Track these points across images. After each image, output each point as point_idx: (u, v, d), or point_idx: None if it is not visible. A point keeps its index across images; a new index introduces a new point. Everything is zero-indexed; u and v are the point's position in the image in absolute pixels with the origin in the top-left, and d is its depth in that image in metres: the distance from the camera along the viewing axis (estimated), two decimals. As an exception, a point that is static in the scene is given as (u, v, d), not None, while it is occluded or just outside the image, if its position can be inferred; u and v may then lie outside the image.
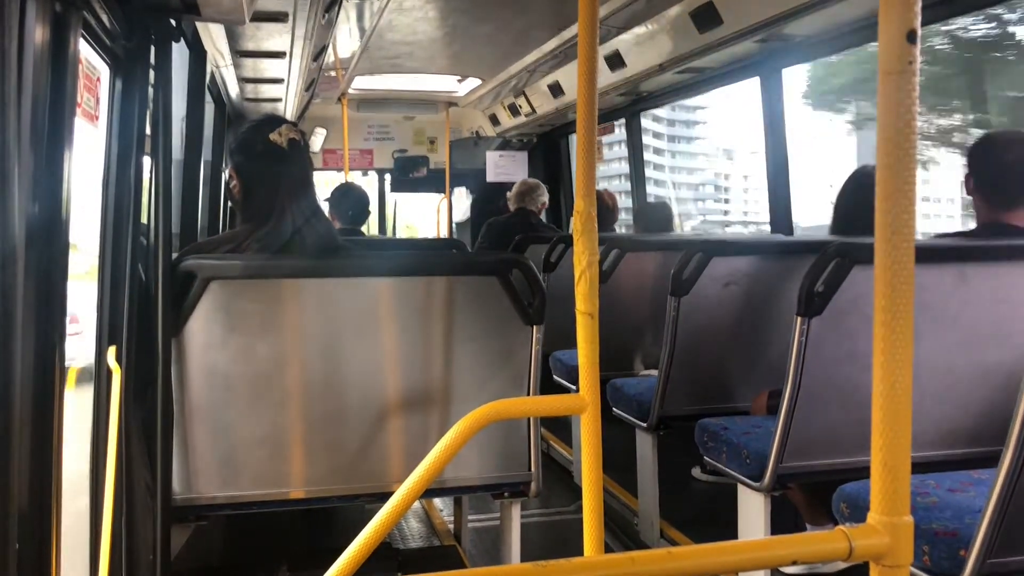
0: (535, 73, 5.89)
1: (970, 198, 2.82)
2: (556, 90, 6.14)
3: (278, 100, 5.14)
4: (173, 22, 2.21)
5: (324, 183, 8.75)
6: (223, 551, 3.30)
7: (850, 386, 2.54)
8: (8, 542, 1.30)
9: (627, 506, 3.87)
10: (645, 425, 3.46)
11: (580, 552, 1.46)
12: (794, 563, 0.93)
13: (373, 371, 2.47)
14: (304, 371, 2.41)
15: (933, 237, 2.94)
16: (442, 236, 8.06)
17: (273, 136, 2.51)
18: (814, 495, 2.95)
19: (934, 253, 2.55)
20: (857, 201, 3.23)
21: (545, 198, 6.23)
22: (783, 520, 2.92)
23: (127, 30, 1.99)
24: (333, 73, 5.69)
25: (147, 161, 2.21)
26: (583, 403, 1.39)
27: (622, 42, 4.66)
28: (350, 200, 5.14)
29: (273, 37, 3.53)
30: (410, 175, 8.05)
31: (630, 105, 6.08)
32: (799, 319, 2.49)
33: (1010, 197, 2.69)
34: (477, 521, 3.78)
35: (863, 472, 1.69)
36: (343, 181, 6.70)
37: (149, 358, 2.17)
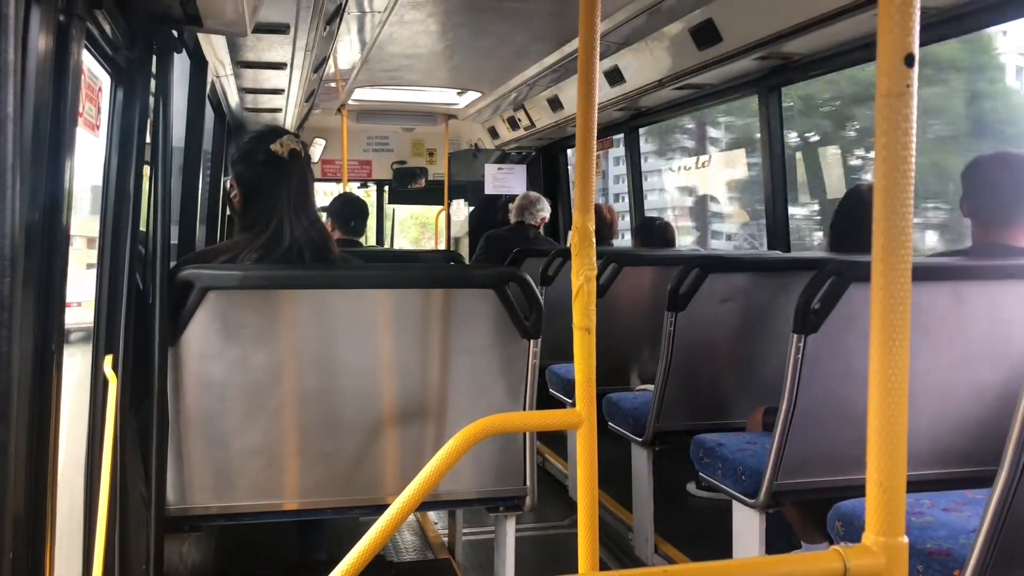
0: (535, 87, 5.92)
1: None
2: (555, 104, 6.16)
3: (278, 110, 5.15)
4: (175, 33, 2.22)
5: (323, 193, 8.77)
6: (217, 562, 3.29)
7: (846, 404, 2.54)
8: (2, 550, 1.30)
9: (622, 521, 3.86)
10: (641, 440, 3.45)
11: (574, 567, 1.46)
12: None
13: (370, 383, 2.47)
14: (300, 382, 2.41)
15: (927, 256, 2.95)
16: (440, 248, 8.07)
17: (274, 146, 2.52)
18: (809, 512, 2.95)
19: (930, 272, 2.56)
20: (853, 219, 3.25)
21: (546, 213, 6.22)
22: (777, 536, 2.92)
23: (129, 40, 2.00)
24: (333, 84, 5.70)
25: (147, 170, 2.21)
26: (579, 418, 1.39)
27: (622, 58, 4.68)
28: (350, 210, 5.15)
29: (274, 48, 3.55)
30: (408, 186, 8.06)
31: (629, 120, 6.10)
32: (795, 336, 2.50)
33: (1002, 217, 2.72)
34: (471, 534, 3.77)
35: (858, 490, 1.69)
36: (341, 191, 6.72)
37: (146, 367, 2.17)
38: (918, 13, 0.90)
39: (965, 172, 2.81)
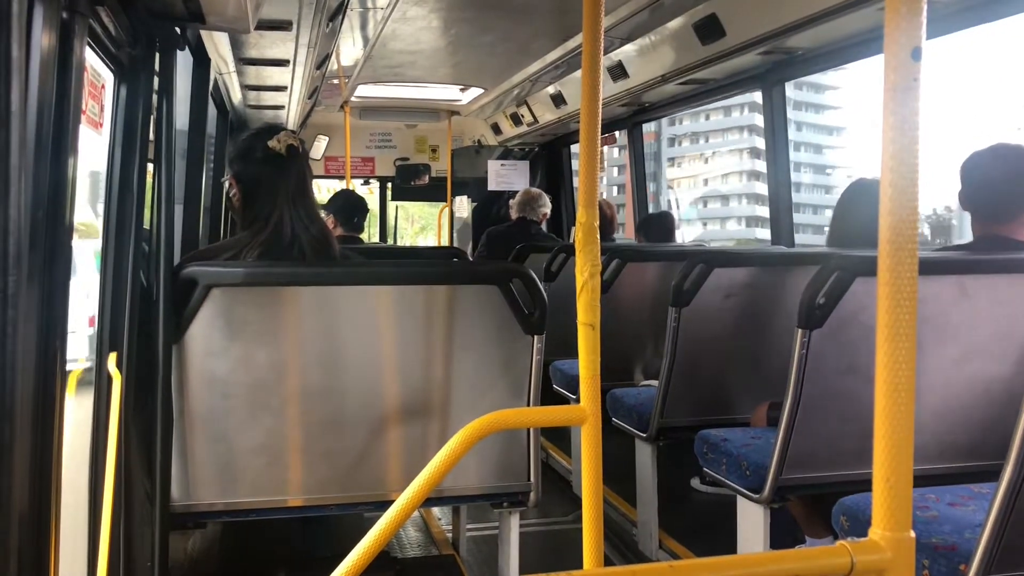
0: (537, 83, 5.91)
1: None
2: (558, 100, 6.16)
3: (281, 107, 5.15)
4: (178, 30, 2.22)
5: (327, 190, 8.77)
6: (221, 558, 3.29)
7: (850, 398, 2.54)
8: (8, 547, 1.30)
9: (626, 517, 3.86)
10: (645, 436, 3.45)
11: (579, 563, 1.46)
12: None
13: (373, 379, 2.47)
14: (304, 379, 2.41)
15: (932, 251, 2.94)
16: (443, 244, 8.06)
17: (272, 143, 2.52)
18: (813, 507, 2.95)
19: (935, 265, 2.55)
20: (855, 213, 3.24)
21: (547, 209, 6.22)
22: (781, 531, 2.91)
23: (132, 37, 2.00)
24: (336, 81, 5.70)
25: (150, 167, 2.21)
26: (584, 414, 1.39)
27: (625, 53, 4.67)
28: (352, 206, 5.15)
29: (277, 45, 3.54)
30: (412, 183, 8.06)
31: (632, 116, 6.10)
32: (800, 331, 2.49)
33: (1001, 212, 2.72)
34: (475, 530, 3.77)
35: (863, 485, 1.69)
36: (342, 188, 6.71)
37: (149, 364, 2.17)
38: (925, 7, 0.89)
39: (962, 167, 2.81)
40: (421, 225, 21.93)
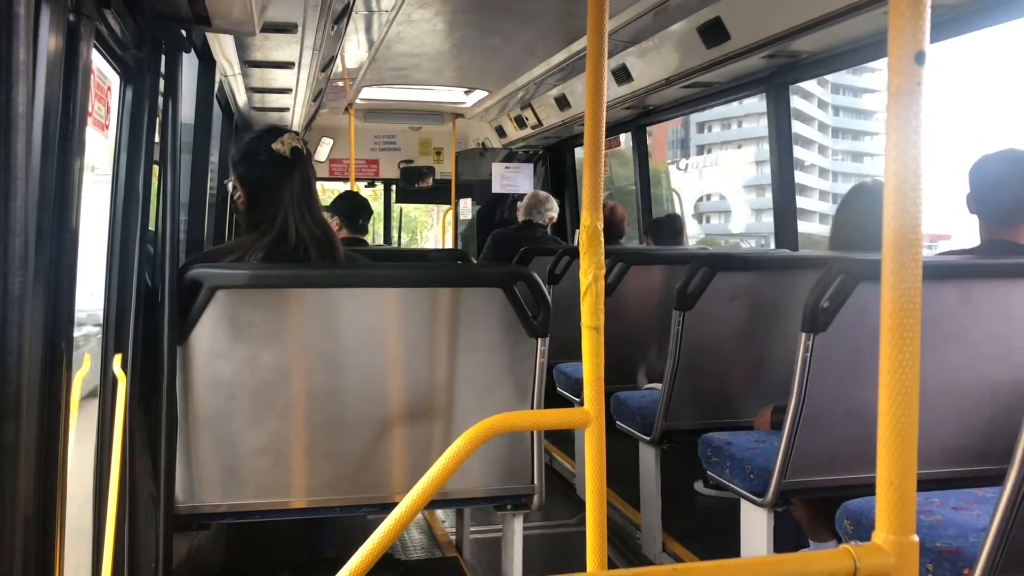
0: (542, 86, 5.91)
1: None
2: (562, 103, 6.16)
3: (286, 110, 5.16)
4: (183, 32, 2.23)
5: (332, 193, 8.79)
6: (225, 560, 3.30)
7: (854, 402, 2.54)
8: (13, 547, 1.30)
9: (629, 520, 3.86)
10: (648, 439, 3.45)
11: (582, 565, 1.46)
12: None
13: (377, 381, 2.47)
14: (308, 380, 2.41)
15: (937, 255, 2.94)
16: (447, 247, 8.08)
17: (276, 145, 2.53)
18: (817, 511, 2.94)
19: (939, 270, 2.55)
20: (857, 217, 3.24)
21: (554, 213, 6.19)
22: (784, 535, 2.91)
23: (138, 40, 2.01)
24: (340, 83, 5.72)
25: (155, 169, 2.22)
26: (587, 417, 1.39)
27: (629, 56, 4.67)
28: (356, 208, 5.15)
29: (282, 47, 3.55)
30: (416, 185, 8.07)
31: (636, 119, 6.10)
32: (804, 335, 2.49)
33: (1008, 216, 2.72)
34: (479, 533, 3.78)
35: (867, 489, 1.69)
36: (345, 190, 6.73)
37: (155, 366, 2.18)
38: (929, 10, 0.89)
39: (971, 169, 2.81)
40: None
